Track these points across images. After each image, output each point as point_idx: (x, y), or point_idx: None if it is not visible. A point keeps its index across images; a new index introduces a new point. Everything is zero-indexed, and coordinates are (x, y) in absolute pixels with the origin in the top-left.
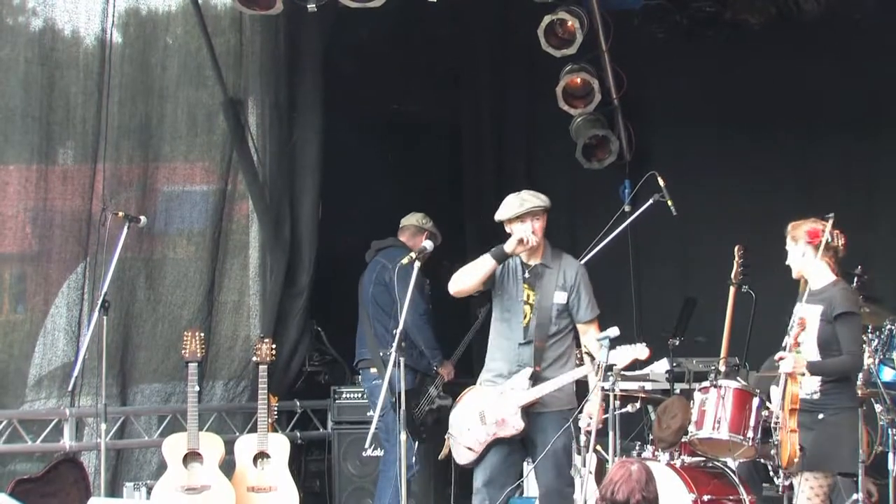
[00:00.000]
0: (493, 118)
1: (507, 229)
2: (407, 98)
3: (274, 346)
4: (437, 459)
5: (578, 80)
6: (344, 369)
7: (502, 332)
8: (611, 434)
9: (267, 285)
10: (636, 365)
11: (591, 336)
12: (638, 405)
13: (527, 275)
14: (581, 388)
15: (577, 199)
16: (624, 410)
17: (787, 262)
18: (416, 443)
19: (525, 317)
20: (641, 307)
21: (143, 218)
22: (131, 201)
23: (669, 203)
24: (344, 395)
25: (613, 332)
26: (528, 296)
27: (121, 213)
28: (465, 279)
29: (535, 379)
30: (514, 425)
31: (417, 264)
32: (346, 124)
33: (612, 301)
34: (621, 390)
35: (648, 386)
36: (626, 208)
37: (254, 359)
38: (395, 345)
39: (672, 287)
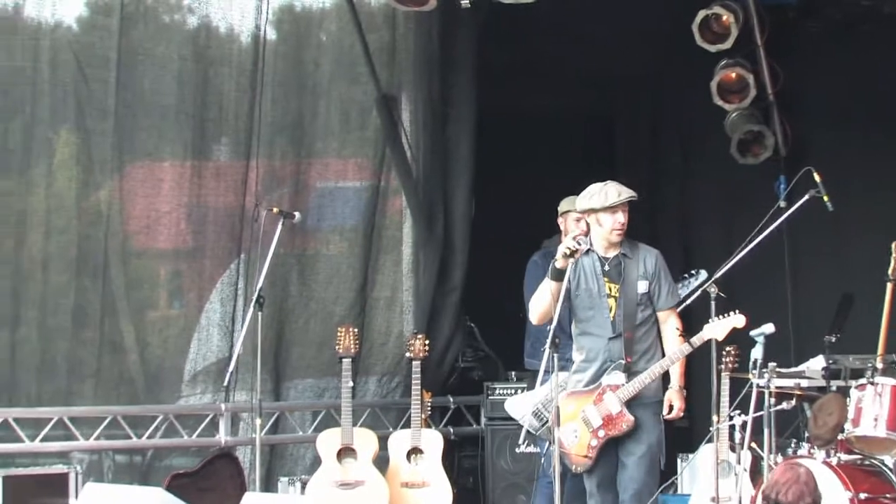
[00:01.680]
0: (648, 114)
1: (590, 219)
2: (559, 94)
3: (427, 342)
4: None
5: (733, 75)
6: (497, 366)
7: (588, 329)
8: (766, 431)
9: (420, 281)
10: (789, 361)
11: (670, 325)
12: (793, 402)
13: (606, 268)
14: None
15: (731, 195)
16: (779, 408)
17: None
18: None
19: (611, 311)
20: (797, 304)
21: (297, 214)
22: (284, 197)
23: (825, 199)
24: (497, 392)
25: (768, 328)
26: (611, 289)
27: (276, 209)
28: (539, 308)
29: (628, 371)
30: (626, 421)
31: (571, 264)
32: (498, 119)
33: (766, 298)
34: (776, 387)
35: (804, 383)
36: (782, 204)
37: (407, 354)
38: (549, 341)
39: (828, 283)
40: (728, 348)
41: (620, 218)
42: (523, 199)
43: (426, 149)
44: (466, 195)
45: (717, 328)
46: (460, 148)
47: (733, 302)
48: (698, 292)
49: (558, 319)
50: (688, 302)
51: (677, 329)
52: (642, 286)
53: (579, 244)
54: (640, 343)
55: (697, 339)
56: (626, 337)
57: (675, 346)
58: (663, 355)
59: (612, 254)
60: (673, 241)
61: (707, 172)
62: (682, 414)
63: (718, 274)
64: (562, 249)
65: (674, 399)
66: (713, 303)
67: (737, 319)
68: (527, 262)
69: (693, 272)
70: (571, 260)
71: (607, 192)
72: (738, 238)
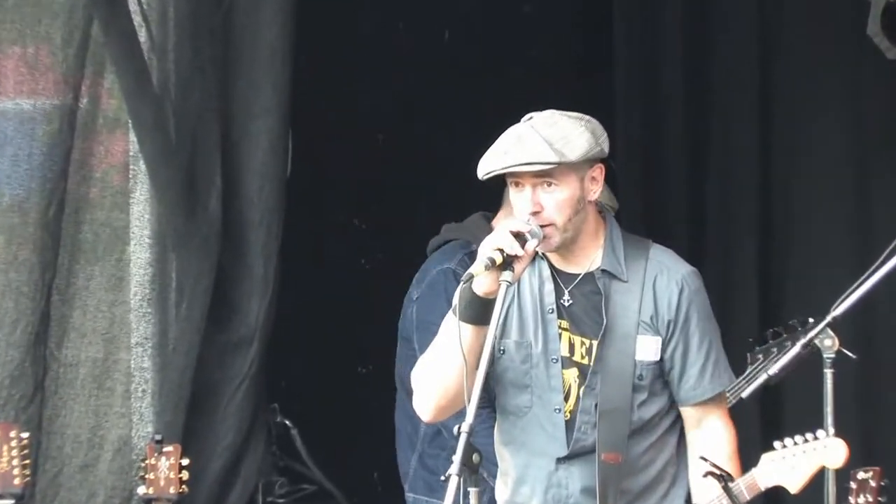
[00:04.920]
0: None
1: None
2: None
3: (186, 461)
4: None
5: None
6: None
7: (519, 434)
8: None
9: (170, 324)
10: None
11: (709, 435)
12: None
13: (565, 299)
14: None
15: (866, 132)
16: None
17: None
18: None
19: (568, 396)
20: None
21: None
22: None
23: None
24: None
25: None
26: (572, 345)
27: None
28: (435, 383)
29: None
30: None
31: (504, 285)
32: None
33: None
34: None
35: None
36: None
37: (141, 490)
38: (457, 458)
39: None
40: (862, 474)
41: (527, 201)
42: (410, 139)
43: (182, 23)
44: (275, 130)
45: (787, 469)
46: (260, 24)
47: (870, 370)
48: (796, 349)
49: (479, 406)
50: (766, 373)
51: (725, 447)
52: (647, 346)
53: (527, 238)
54: (636, 473)
55: (745, 488)
56: (607, 461)
57: (704, 492)
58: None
59: (578, 267)
60: (737, 249)
61: (811, 78)
62: None
63: (841, 308)
64: (485, 252)
65: None
66: (828, 373)
67: (829, 451)
68: (416, 280)
69: (783, 328)
70: (507, 278)
71: (493, 149)
72: (886, 231)
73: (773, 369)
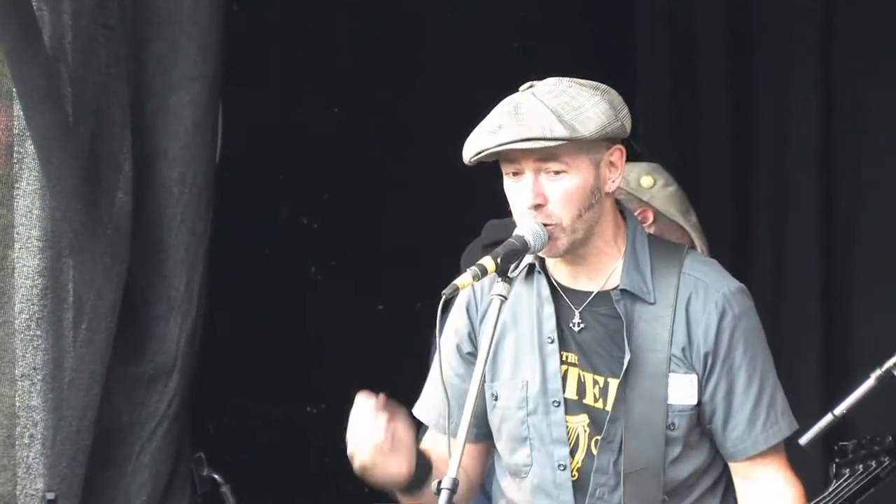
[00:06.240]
0: None
1: None
2: None
3: None
4: None
5: None
6: None
7: (518, 497)
8: None
9: (65, 351)
10: None
11: (768, 490)
12: None
13: (574, 324)
14: None
15: None
16: None
17: None
18: None
19: (575, 449)
20: None
21: None
22: None
23: None
24: None
25: None
26: (581, 383)
27: None
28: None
29: None
30: None
31: (498, 301)
32: None
33: None
34: None
35: None
36: None
37: None
38: None
39: None
40: None
41: (527, 192)
42: (385, 120)
43: None
44: (203, 106)
45: None
46: None
47: None
48: (870, 382)
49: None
50: (832, 413)
51: None
52: (681, 387)
53: (528, 245)
54: None
55: None
56: None
57: None
58: None
59: (590, 283)
60: (794, 258)
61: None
62: None
63: None
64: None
65: None
66: None
67: None
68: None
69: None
70: (500, 291)
71: (483, 124)
72: None
73: (839, 408)
